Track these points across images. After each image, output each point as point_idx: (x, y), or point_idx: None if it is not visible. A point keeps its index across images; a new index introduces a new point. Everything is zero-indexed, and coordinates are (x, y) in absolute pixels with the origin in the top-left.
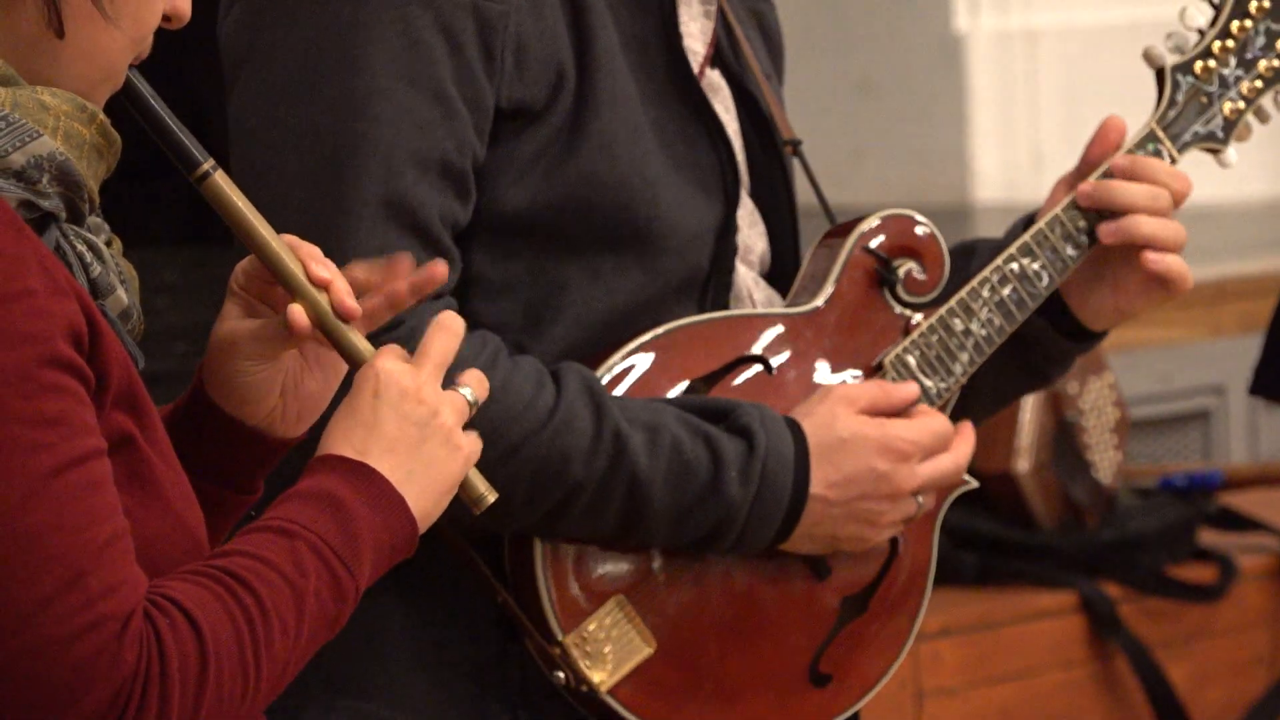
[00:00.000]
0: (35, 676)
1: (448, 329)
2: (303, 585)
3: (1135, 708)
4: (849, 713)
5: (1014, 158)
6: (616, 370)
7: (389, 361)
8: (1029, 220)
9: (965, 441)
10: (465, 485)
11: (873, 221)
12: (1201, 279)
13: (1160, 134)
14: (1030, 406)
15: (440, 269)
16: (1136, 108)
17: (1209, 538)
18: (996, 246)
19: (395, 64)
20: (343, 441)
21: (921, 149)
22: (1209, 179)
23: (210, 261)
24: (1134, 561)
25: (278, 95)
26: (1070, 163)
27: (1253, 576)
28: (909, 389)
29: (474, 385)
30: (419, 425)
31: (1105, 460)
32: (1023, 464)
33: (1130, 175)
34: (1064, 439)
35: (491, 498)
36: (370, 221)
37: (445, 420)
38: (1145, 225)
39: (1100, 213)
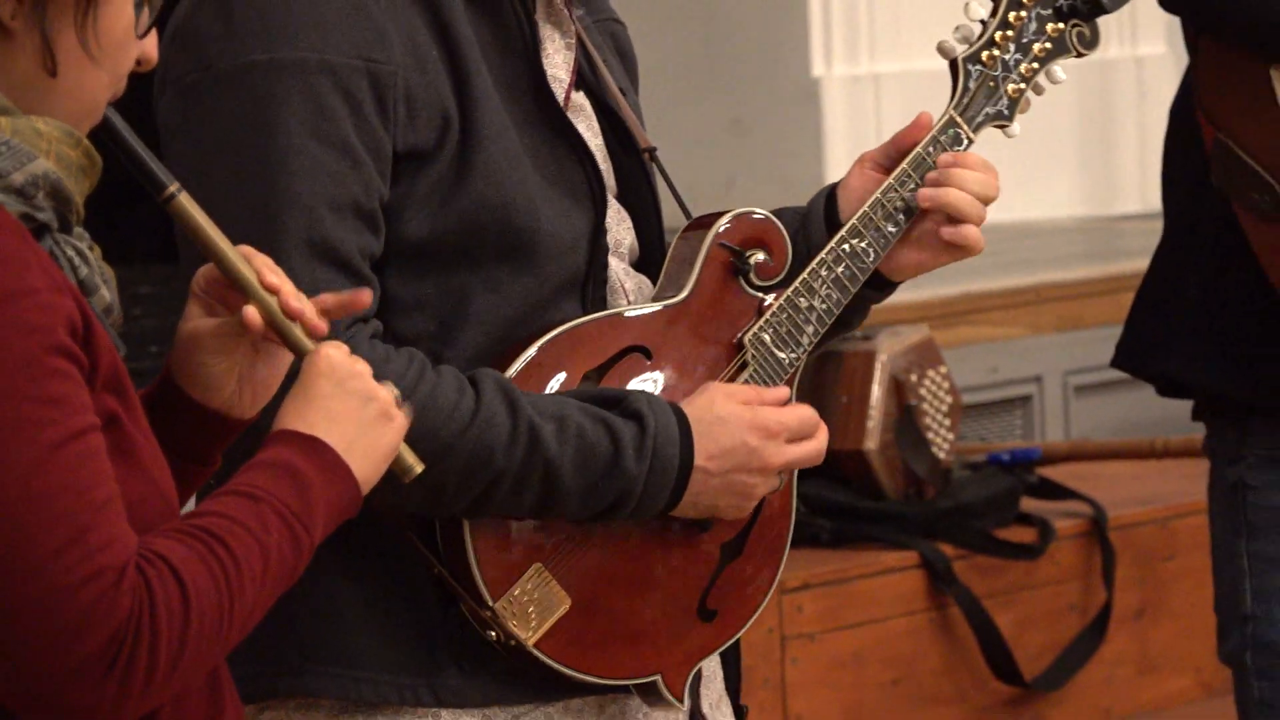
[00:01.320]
0: (45, 619)
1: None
2: (267, 541)
3: (968, 649)
4: (733, 640)
5: None
6: (521, 368)
7: (334, 349)
8: (831, 191)
9: (825, 431)
10: (397, 458)
11: (726, 218)
12: (1023, 285)
13: (958, 119)
14: (877, 395)
15: (365, 296)
16: None
17: (1029, 505)
18: (807, 213)
19: (306, 125)
20: (296, 418)
21: (784, 177)
22: (1031, 204)
23: (176, 277)
24: (966, 525)
25: (211, 158)
26: None
27: (1067, 537)
28: (780, 392)
29: (394, 385)
30: (360, 402)
31: (942, 439)
32: (871, 443)
33: (962, 166)
34: (906, 422)
35: (419, 468)
36: (300, 261)
37: (381, 396)
38: (953, 196)
39: (915, 190)
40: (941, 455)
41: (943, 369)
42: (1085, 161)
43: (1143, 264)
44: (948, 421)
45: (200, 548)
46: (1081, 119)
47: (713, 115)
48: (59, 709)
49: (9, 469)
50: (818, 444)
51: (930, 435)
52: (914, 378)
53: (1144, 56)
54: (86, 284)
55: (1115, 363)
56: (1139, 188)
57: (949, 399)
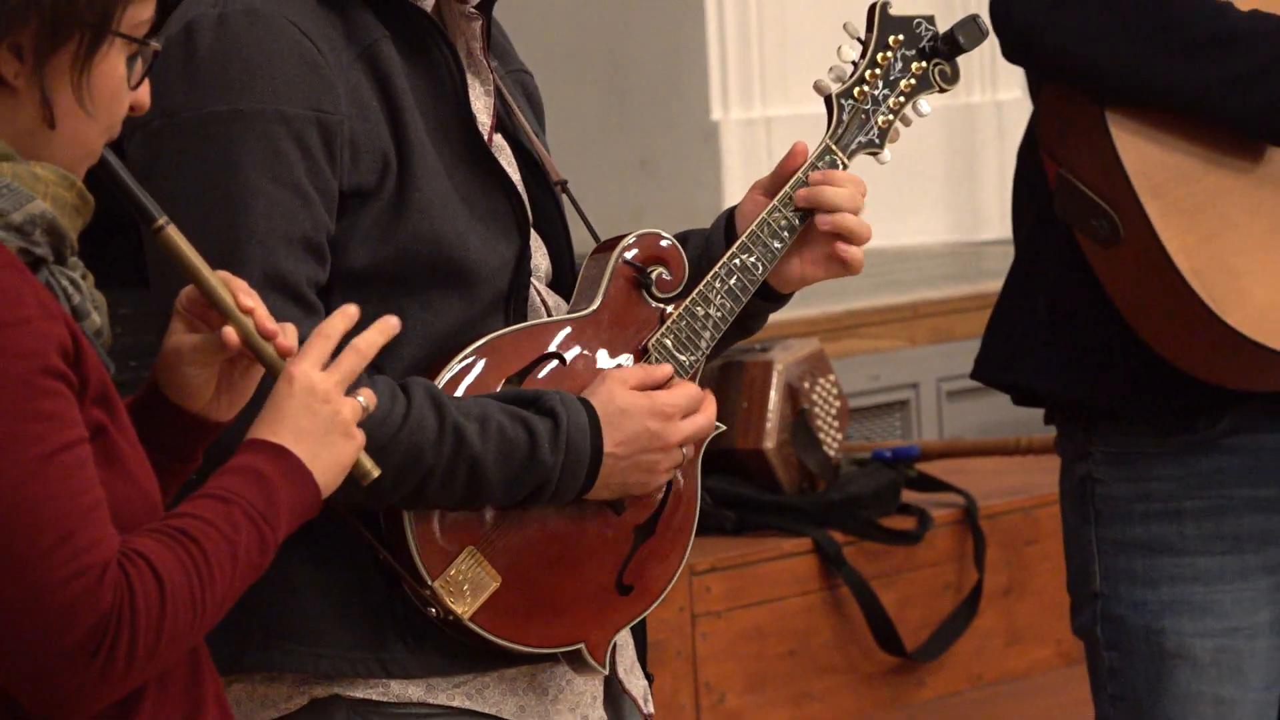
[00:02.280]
0: (35, 611)
1: (360, 352)
2: (236, 540)
3: (856, 624)
4: (648, 612)
5: None
6: (450, 376)
7: (306, 367)
8: (730, 214)
9: (711, 402)
10: (357, 464)
11: (629, 239)
12: (900, 303)
13: (834, 147)
14: (775, 400)
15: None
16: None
17: (909, 496)
18: (709, 235)
19: (263, 169)
20: (267, 429)
21: (688, 210)
22: (906, 231)
23: (134, 301)
24: (854, 515)
25: (178, 198)
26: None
27: (942, 525)
28: (665, 369)
29: (366, 397)
30: (325, 420)
31: (831, 439)
32: (769, 443)
33: (830, 182)
34: (801, 424)
35: (376, 473)
36: (258, 290)
37: (344, 416)
38: (849, 220)
39: (803, 213)
40: (831, 453)
41: (831, 377)
42: (952, 193)
43: (1000, 284)
44: (836, 423)
45: (176, 546)
46: (949, 156)
47: (624, 155)
48: (50, 689)
49: (5, 478)
50: (707, 416)
51: (821, 435)
52: (806, 385)
53: (1003, 101)
54: (79, 310)
55: (975, 375)
56: (999, 216)
57: (837, 403)
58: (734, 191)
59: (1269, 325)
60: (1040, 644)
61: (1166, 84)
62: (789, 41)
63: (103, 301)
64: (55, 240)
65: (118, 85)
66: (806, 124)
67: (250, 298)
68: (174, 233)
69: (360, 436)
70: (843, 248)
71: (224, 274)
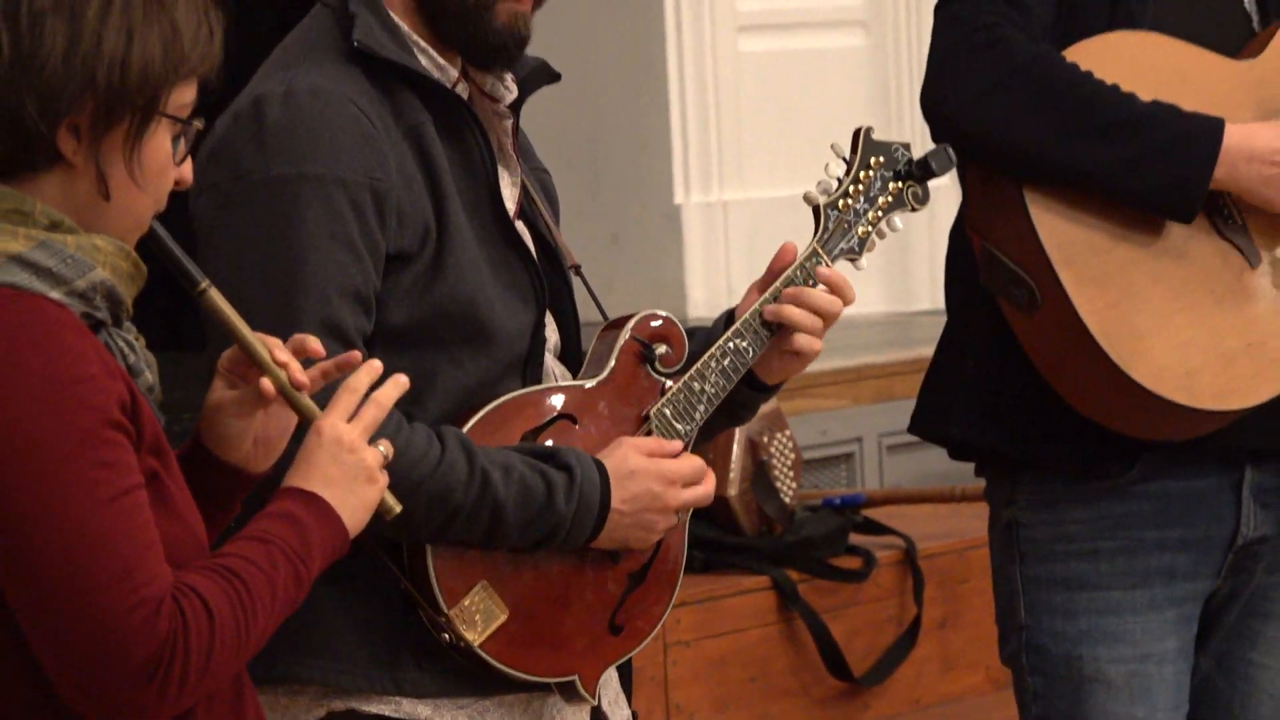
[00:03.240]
0: (100, 638)
1: (380, 404)
2: (275, 577)
3: (809, 653)
4: (635, 651)
5: (716, 289)
6: (476, 426)
7: (334, 420)
8: (730, 314)
9: (712, 476)
10: (380, 503)
11: (637, 318)
12: (845, 366)
13: (820, 251)
14: (737, 452)
15: (355, 356)
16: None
17: (856, 539)
18: (710, 332)
19: (322, 227)
20: (299, 477)
21: (653, 284)
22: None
23: (184, 361)
24: (807, 555)
25: (243, 250)
26: (748, 283)
27: (885, 565)
28: (675, 444)
29: (385, 447)
30: (351, 468)
31: (787, 487)
32: (733, 490)
33: (796, 302)
34: (760, 473)
35: (398, 509)
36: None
37: (368, 463)
38: (801, 341)
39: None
40: (787, 500)
41: (787, 432)
42: (888, 269)
43: (932, 351)
44: (792, 473)
45: (223, 582)
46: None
47: (597, 232)
48: (113, 709)
49: (72, 519)
50: (706, 489)
51: (778, 484)
52: (765, 439)
53: (932, 186)
54: (134, 368)
55: (912, 429)
56: (929, 289)
57: (792, 455)
58: (694, 265)
59: (1168, 381)
60: (972, 671)
61: (1077, 165)
62: (743, 135)
63: (153, 361)
64: (113, 305)
65: (165, 161)
66: (757, 207)
67: (284, 354)
68: (215, 295)
69: (383, 480)
70: (801, 340)
71: (260, 334)
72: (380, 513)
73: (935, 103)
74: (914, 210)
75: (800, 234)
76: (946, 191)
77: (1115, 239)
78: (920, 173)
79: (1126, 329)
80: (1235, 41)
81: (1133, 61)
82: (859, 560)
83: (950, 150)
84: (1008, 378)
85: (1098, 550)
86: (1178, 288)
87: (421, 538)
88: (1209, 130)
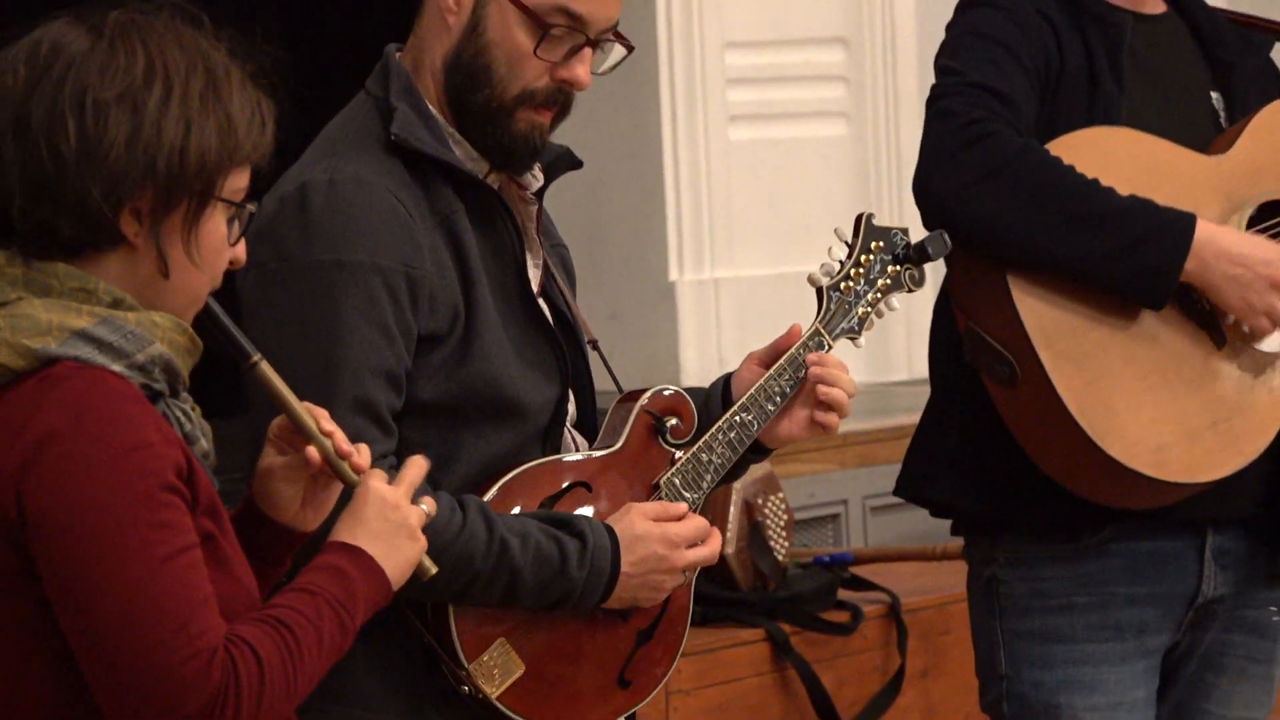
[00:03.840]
0: (159, 687)
1: (419, 466)
2: (321, 627)
3: (801, 701)
4: (641, 705)
5: (708, 360)
6: (497, 495)
7: (378, 481)
8: (727, 379)
9: (717, 536)
10: (419, 563)
11: (650, 393)
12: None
13: (822, 330)
14: (733, 513)
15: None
16: (777, 324)
17: (844, 594)
18: (708, 394)
19: (358, 310)
20: (346, 532)
21: (649, 358)
22: None
23: (231, 429)
24: (799, 609)
25: (284, 328)
26: (737, 362)
27: (872, 618)
28: (680, 506)
29: (429, 504)
30: (395, 524)
31: (780, 546)
32: (730, 549)
33: (835, 365)
34: (755, 533)
35: (434, 570)
36: (346, 412)
37: (411, 522)
38: (843, 396)
39: (793, 383)
40: (780, 558)
41: (780, 495)
42: (869, 342)
43: (912, 418)
44: (784, 533)
45: (273, 632)
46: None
47: (596, 307)
48: None
49: (131, 577)
50: (710, 549)
51: (772, 543)
52: (760, 501)
53: None
54: (189, 436)
55: (897, 491)
56: (906, 361)
57: (785, 516)
58: (688, 338)
59: (1140, 455)
60: (953, 717)
61: (1058, 254)
62: (733, 217)
63: (209, 429)
64: (171, 377)
65: (220, 242)
66: (746, 284)
67: (329, 424)
68: (266, 368)
69: (423, 540)
70: (823, 415)
71: (309, 404)
72: (417, 573)
73: (928, 191)
74: (910, 291)
75: (786, 309)
76: (925, 270)
77: (1091, 322)
78: (918, 256)
79: (1101, 406)
80: (1204, 134)
81: (1111, 156)
82: (847, 614)
83: (946, 236)
84: (988, 446)
85: (1073, 605)
86: (1149, 368)
87: (444, 599)
88: (1181, 226)
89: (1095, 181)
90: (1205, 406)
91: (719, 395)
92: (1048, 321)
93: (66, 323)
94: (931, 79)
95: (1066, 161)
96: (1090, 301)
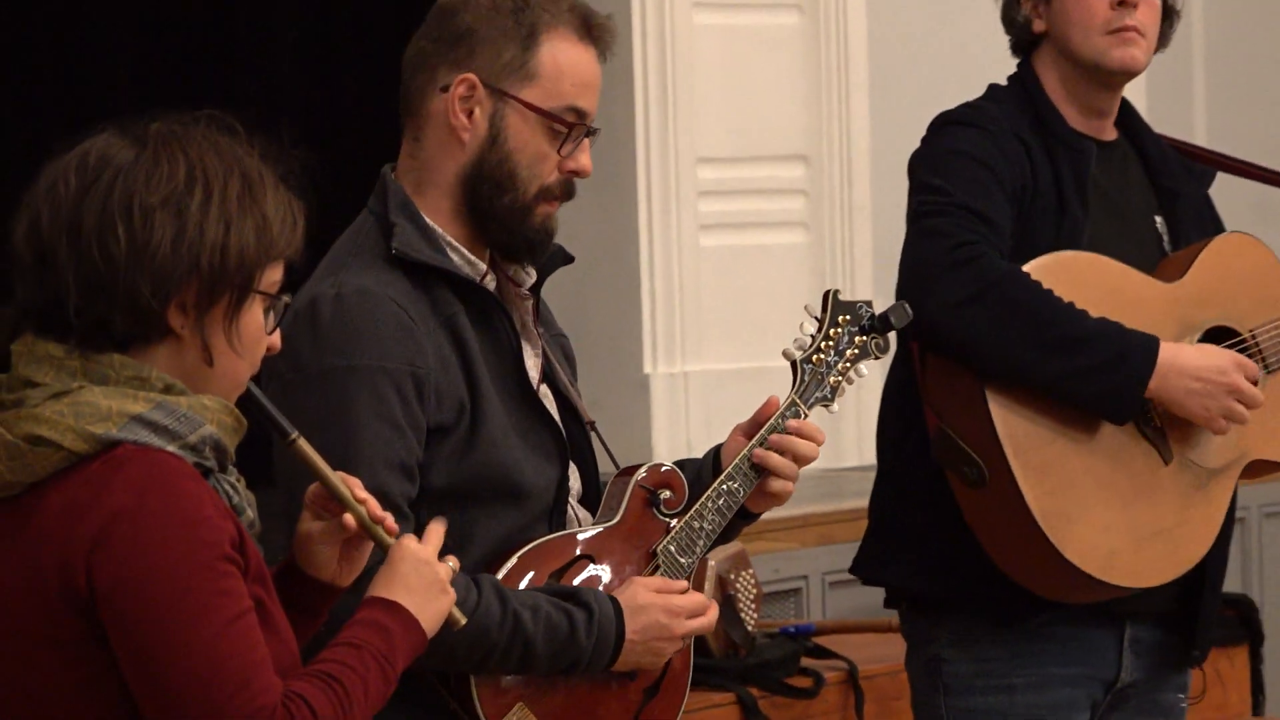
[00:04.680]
0: None
1: (440, 528)
2: (367, 678)
3: None
4: None
5: (677, 446)
6: (509, 569)
7: (410, 541)
8: (716, 450)
9: (714, 609)
10: (449, 615)
11: (645, 468)
12: (791, 515)
13: (797, 400)
14: (708, 587)
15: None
16: (741, 414)
17: (807, 661)
18: (699, 466)
19: (370, 410)
20: (385, 589)
21: (624, 443)
22: None
23: (270, 498)
24: (767, 675)
25: (304, 430)
26: (704, 447)
27: (832, 684)
28: (681, 584)
29: (454, 561)
30: (427, 579)
31: (750, 617)
32: None
33: (779, 449)
34: (728, 604)
35: (464, 621)
36: None
37: (441, 576)
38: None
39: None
40: (750, 628)
41: (750, 570)
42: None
43: (863, 500)
44: (754, 605)
45: (324, 686)
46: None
47: None
48: None
49: (198, 640)
50: (707, 620)
51: (742, 614)
52: (732, 576)
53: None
54: (238, 508)
55: (854, 571)
56: (857, 448)
57: (754, 590)
58: (660, 426)
59: (1093, 560)
60: None
61: (1035, 371)
62: (703, 316)
63: (253, 500)
64: (220, 455)
65: (258, 331)
66: (713, 377)
67: (363, 491)
68: (303, 444)
69: (453, 592)
70: (776, 484)
71: (341, 474)
72: (449, 623)
73: (915, 308)
74: (877, 358)
75: (749, 399)
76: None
77: (1057, 434)
78: (882, 326)
79: (1061, 513)
80: (1150, 256)
81: (1079, 279)
82: (810, 680)
83: (907, 306)
84: (944, 535)
85: (1013, 685)
86: (1104, 479)
87: (464, 669)
88: (1146, 347)
89: (1071, 305)
90: (1151, 517)
91: (710, 466)
92: (1019, 432)
93: (125, 408)
94: (883, 194)
95: (1044, 284)
96: (1058, 415)
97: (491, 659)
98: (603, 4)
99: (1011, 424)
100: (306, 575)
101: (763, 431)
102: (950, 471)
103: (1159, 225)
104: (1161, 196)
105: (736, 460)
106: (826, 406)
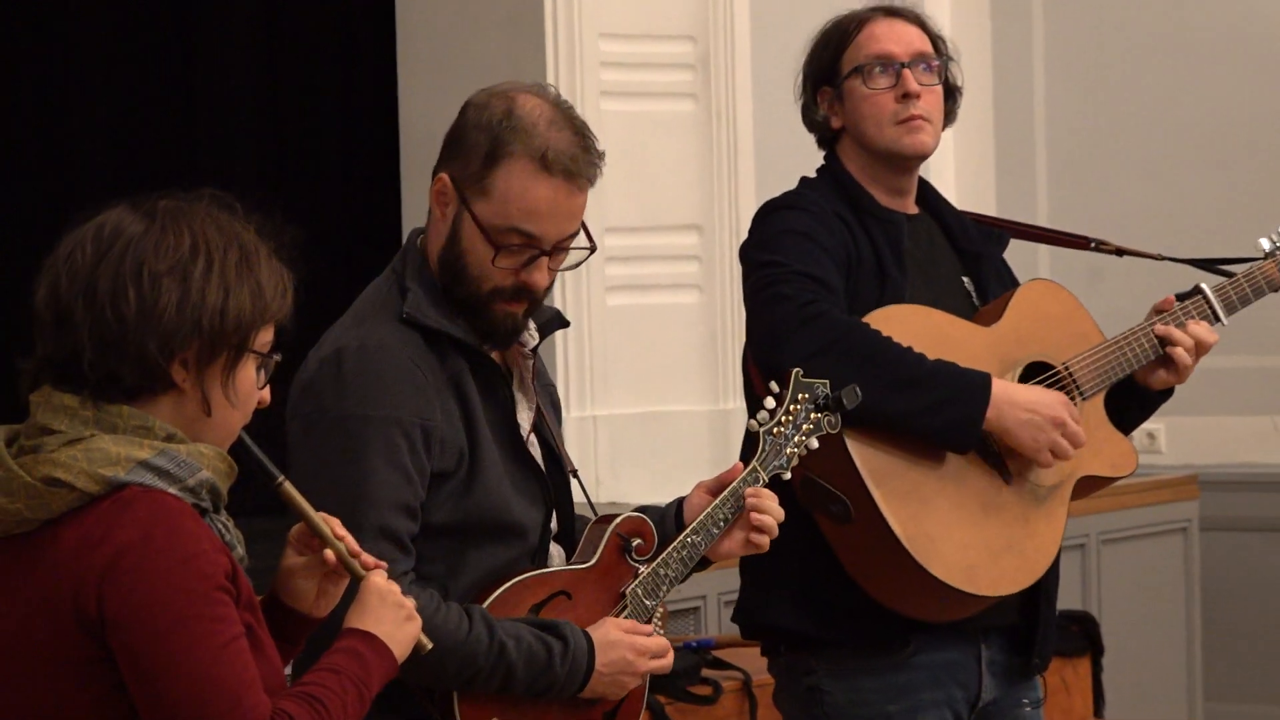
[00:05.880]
0: None
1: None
2: (346, 700)
3: None
4: None
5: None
6: (496, 599)
7: (380, 578)
8: (680, 502)
9: (671, 653)
10: (417, 641)
11: (620, 518)
12: None
13: (759, 468)
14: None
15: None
16: (643, 454)
17: (707, 672)
18: (663, 513)
19: (381, 455)
20: (358, 620)
21: None
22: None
23: (258, 529)
24: (672, 684)
25: (321, 468)
26: (613, 483)
27: (729, 692)
28: (648, 628)
29: (415, 597)
30: (395, 610)
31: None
32: None
33: (768, 498)
34: None
35: (430, 646)
36: (371, 539)
37: (409, 608)
38: (773, 524)
39: (735, 511)
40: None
41: None
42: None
43: None
44: (661, 623)
45: (308, 706)
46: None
47: None
48: None
49: (196, 661)
50: (666, 661)
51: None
52: None
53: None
54: (230, 544)
55: (735, 619)
56: None
57: (661, 609)
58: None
59: (956, 574)
60: None
61: (885, 411)
62: (610, 366)
63: (241, 537)
64: (215, 497)
65: (252, 386)
66: (619, 420)
67: (341, 529)
68: (289, 487)
69: (419, 620)
70: (757, 537)
71: (322, 514)
72: (417, 648)
73: (773, 363)
74: (830, 434)
75: (650, 439)
76: (742, 411)
77: (910, 464)
78: (835, 405)
79: (923, 535)
80: (965, 310)
81: (909, 327)
82: (710, 688)
83: (858, 389)
84: (814, 578)
85: (889, 713)
86: (956, 501)
87: (451, 687)
88: (981, 384)
89: (909, 349)
90: (1001, 532)
91: (673, 515)
92: (877, 466)
93: (132, 454)
94: None
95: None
96: (909, 448)
97: (477, 680)
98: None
99: (869, 459)
100: (287, 606)
101: (725, 493)
102: (818, 513)
103: (967, 284)
104: (965, 260)
105: (701, 517)
106: (781, 474)
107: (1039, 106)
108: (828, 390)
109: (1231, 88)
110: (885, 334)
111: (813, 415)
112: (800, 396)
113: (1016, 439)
